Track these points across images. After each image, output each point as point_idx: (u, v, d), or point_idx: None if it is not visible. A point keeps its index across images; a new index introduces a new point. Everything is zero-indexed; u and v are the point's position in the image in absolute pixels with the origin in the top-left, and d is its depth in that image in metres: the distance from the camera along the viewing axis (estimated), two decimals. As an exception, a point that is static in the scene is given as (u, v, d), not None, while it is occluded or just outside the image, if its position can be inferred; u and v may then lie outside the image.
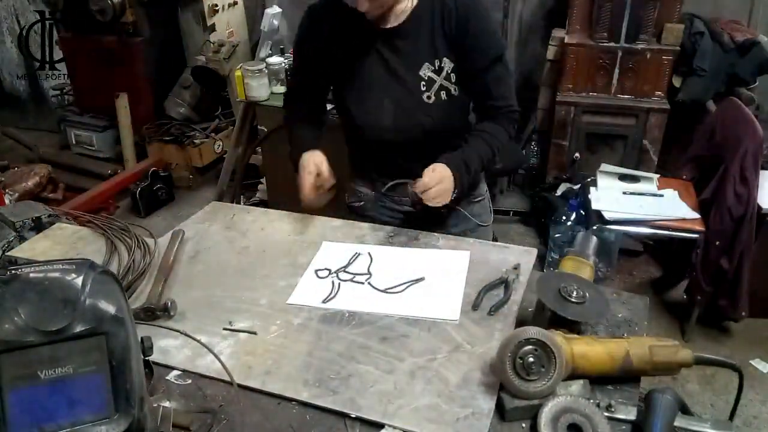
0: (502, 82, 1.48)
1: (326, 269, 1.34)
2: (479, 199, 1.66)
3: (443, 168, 1.39)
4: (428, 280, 1.29)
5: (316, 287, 1.29)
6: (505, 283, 1.25)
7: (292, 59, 1.66)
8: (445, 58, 1.42)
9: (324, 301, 1.24)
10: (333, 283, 1.30)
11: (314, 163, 1.46)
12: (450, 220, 1.61)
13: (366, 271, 1.33)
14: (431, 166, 1.39)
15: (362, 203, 1.67)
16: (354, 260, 1.37)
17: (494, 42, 1.45)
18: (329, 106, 1.70)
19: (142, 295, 1.27)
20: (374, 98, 1.46)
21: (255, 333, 1.15)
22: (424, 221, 1.53)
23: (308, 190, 1.45)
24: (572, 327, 1.05)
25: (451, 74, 1.44)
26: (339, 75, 1.50)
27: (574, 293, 1.06)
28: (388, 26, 1.42)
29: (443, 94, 1.44)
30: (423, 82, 1.43)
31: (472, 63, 1.43)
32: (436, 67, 1.43)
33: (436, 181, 1.36)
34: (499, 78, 1.47)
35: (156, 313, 1.20)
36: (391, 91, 1.45)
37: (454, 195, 1.41)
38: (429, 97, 1.44)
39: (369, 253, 1.39)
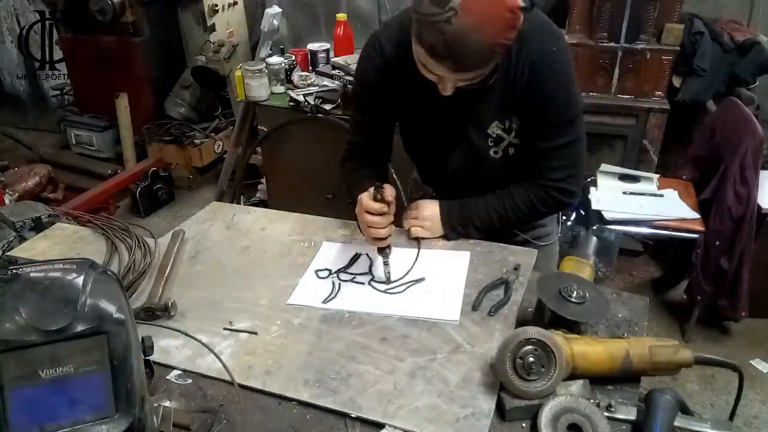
0: (558, 154, 1.34)
1: (326, 270, 1.35)
2: (547, 243, 1.58)
3: (427, 204, 1.44)
4: (428, 281, 1.29)
5: (316, 287, 1.29)
6: (505, 284, 1.25)
7: (354, 96, 1.54)
8: (514, 117, 1.34)
9: (324, 302, 1.24)
10: (333, 283, 1.30)
11: (362, 207, 1.33)
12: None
13: (367, 271, 1.33)
14: (414, 203, 1.45)
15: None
16: (355, 261, 1.37)
17: (562, 106, 1.29)
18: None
19: (142, 295, 1.27)
20: (441, 151, 1.44)
21: (255, 333, 1.15)
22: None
23: (377, 231, 1.31)
24: (572, 327, 1.05)
25: (520, 132, 1.36)
26: (403, 121, 1.49)
27: (575, 293, 1.06)
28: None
29: (511, 150, 1.39)
30: (491, 140, 1.38)
31: (534, 124, 1.33)
32: (506, 126, 1.36)
33: (415, 216, 1.43)
34: (556, 148, 1.33)
35: (156, 313, 1.19)
36: (459, 146, 1.41)
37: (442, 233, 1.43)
38: (496, 152, 1.39)
39: (367, 254, 1.39)
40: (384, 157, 1.58)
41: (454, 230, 1.43)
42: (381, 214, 1.30)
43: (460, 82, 1.18)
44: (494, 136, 1.37)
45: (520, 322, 1.16)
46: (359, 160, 1.54)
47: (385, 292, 1.27)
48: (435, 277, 1.30)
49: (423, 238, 1.43)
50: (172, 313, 1.20)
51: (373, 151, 1.54)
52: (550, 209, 1.43)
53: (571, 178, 1.37)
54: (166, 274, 1.31)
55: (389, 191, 1.32)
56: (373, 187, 1.31)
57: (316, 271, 1.34)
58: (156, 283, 1.28)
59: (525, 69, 1.26)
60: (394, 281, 1.29)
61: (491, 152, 1.39)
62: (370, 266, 1.35)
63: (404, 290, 1.27)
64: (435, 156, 1.48)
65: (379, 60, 1.36)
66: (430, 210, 1.43)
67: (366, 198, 1.31)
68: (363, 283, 1.30)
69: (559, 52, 1.27)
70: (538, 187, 1.39)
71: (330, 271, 1.34)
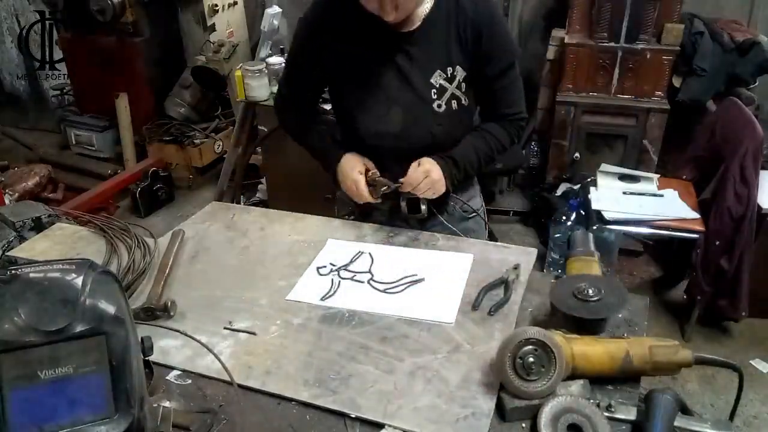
0: (513, 89, 1.46)
1: (328, 267, 1.35)
2: (473, 214, 1.61)
3: (429, 162, 1.39)
4: (428, 282, 1.29)
5: (316, 284, 1.29)
6: (505, 284, 1.25)
7: (291, 49, 1.56)
8: (458, 66, 1.38)
9: (322, 299, 1.24)
10: (333, 281, 1.30)
11: (361, 163, 1.44)
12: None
13: (367, 270, 1.34)
14: (416, 161, 1.40)
15: (353, 217, 1.59)
16: (356, 259, 1.37)
17: (509, 49, 1.42)
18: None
19: (142, 295, 1.27)
20: (382, 104, 1.41)
21: (254, 333, 1.15)
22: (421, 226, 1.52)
23: (365, 192, 1.42)
24: (597, 325, 1.05)
25: (462, 83, 1.40)
26: (343, 76, 1.44)
27: (590, 291, 1.05)
28: (404, 30, 1.36)
29: (454, 104, 1.41)
30: (434, 90, 1.39)
31: (485, 70, 1.40)
32: (448, 75, 1.38)
33: (423, 175, 1.38)
34: (510, 85, 1.45)
35: (156, 313, 1.19)
36: (401, 98, 1.40)
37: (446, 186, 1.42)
38: (440, 106, 1.40)
39: (370, 254, 1.39)
40: (313, 109, 1.62)
41: (453, 184, 1.44)
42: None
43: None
44: (437, 86, 1.39)
45: (520, 322, 1.16)
46: (294, 111, 1.58)
47: (384, 291, 1.27)
48: (435, 278, 1.30)
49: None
50: (171, 313, 1.20)
51: (301, 102, 1.57)
52: (519, 140, 1.59)
53: (524, 108, 1.51)
54: (165, 274, 1.31)
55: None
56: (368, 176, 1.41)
57: (318, 268, 1.34)
58: (156, 283, 1.28)
59: (470, 16, 1.35)
60: (393, 286, 1.28)
61: (434, 105, 1.40)
62: (371, 265, 1.35)
63: (403, 290, 1.27)
64: (377, 115, 1.43)
65: (321, 8, 1.41)
66: (436, 172, 1.40)
67: (363, 186, 1.41)
68: (363, 282, 1.30)
69: (491, 3, 1.40)
70: (507, 122, 1.49)
71: (332, 268, 1.34)
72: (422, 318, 1.18)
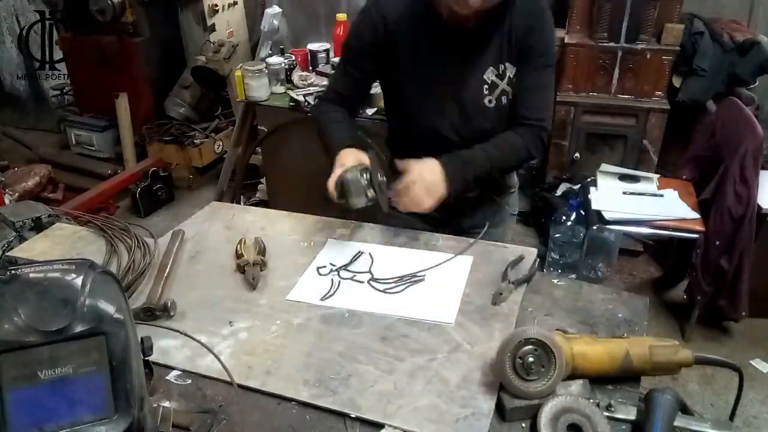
0: (540, 94, 1.46)
1: (328, 267, 1.35)
2: (512, 191, 1.70)
3: (421, 165, 1.35)
4: (428, 282, 1.29)
5: (315, 284, 1.29)
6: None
7: (346, 42, 1.55)
8: (507, 63, 1.41)
9: (322, 299, 1.24)
10: (332, 280, 1.30)
11: (356, 159, 1.37)
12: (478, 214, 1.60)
13: (367, 270, 1.34)
14: (414, 170, 1.34)
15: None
16: (356, 259, 1.37)
17: (548, 51, 1.43)
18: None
19: (142, 295, 1.27)
20: (437, 98, 1.44)
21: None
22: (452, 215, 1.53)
23: (332, 190, 1.36)
24: None
25: (513, 79, 1.42)
26: (399, 69, 1.45)
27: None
28: (460, 27, 1.37)
29: (504, 99, 1.43)
30: (486, 86, 1.42)
31: (522, 63, 1.41)
32: (500, 72, 1.41)
33: (405, 186, 1.34)
34: (539, 89, 1.44)
35: (156, 313, 1.19)
36: (455, 92, 1.43)
37: (439, 202, 1.36)
38: (491, 101, 1.43)
39: (370, 254, 1.39)
40: (357, 109, 1.65)
41: (456, 188, 1.37)
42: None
43: None
44: (489, 82, 1.41)
45: (520, 322, 1.16)
46: (333, 105, 1.56)
47: (384, 291, 1.27)
48: (435, 278, 1.30)
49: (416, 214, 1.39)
50: (171, 313, 1.20)
51: (349, 103, 1.58)
52: (537, 151, 1.47)
53: (549, 119, 1.48)
54: (165, 274, 1.31)
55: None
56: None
57: (318, 268, 1.34)
58: (156, 283, 1.28)
59: (522, 16, 1.37)
60: (392, 286, 1.28)
61: (486, 101, 1.43)
62: (371, 265, 1.35)
63: (403, 290, 1.27)
64: (432, 108, 1.46)
65: (377, 17, 1.41)
66: (430, 173, 1.35)
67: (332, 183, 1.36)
68: (362, 282, 1.30)
69: (545, 3, 1.43)
70: (526, 128, 1.44)
71: (332, 268, 1.34)
72: (422, 318, 1.18)
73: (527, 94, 1.44)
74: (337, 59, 2.85)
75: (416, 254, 1.39)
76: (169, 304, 1.20)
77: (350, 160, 1.37)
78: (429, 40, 1.40)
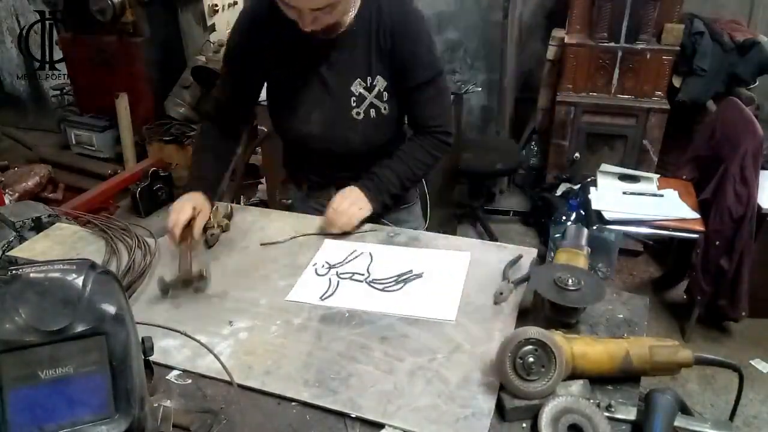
0: (433, 103, 1.48)
1: (326, 266, 1.35)
2: (406, 206, 1.67)
3: (340, 194, 1.45)
4: (427, 280, 1.29)
5: (314, 284, 1.29)
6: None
7: (224, 52, 1.59)
8: (378, 77, 1.42)
9: (322, 298, 1.24)
10: (330, 280, 1.30)
11: (186, 205, 1.39)
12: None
13: (365, 271, 1.34)
14: (338, 197, 1.45)
15: (290, 201, 1.73)
16: (354, 258, 1.37)
17: (429, 63, 1.43)
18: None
19: (143, 295, 1.27)
20: (304, 108, 1.47)
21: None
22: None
23: (172, 234, 1.36)
24: (572, 315, 1.06)
25: (383, 93, 1.43)
26: (271, 80, 1.51)
27: (570, 281, 1.07)
28: (327, 37, 1.40)
29: (372, 112, 1.45)
30: (354, 98, 1.43)
31: (404, 82, 1.43)
32: (368, 85, 1.43)
33: (340, 215, 1.43)
34: (431, 99, 1.47)
35: (193, 282, 1.25)
36: (321, 103, 1.45)
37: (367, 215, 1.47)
38: (358, 114, 1.44)
39: (370, 253, 1.39)
40: (242, 120, 1.65)
41: (381, 204, 1.48)
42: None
43: (317, 12, 1.25)
44: (357, 94, 1.43)
45: (520, 322, 1.16)
46: (217, 129, 1.58)
47: (383, 290, 1.27)
48: (434, 276, 1.30)
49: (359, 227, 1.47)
50: (206, 284, 1.26)
51: (235, 110, 1.58)
52: (441, 153, 1.52)
53: (449, 122, 1.53)
54: (189, 249, 1.35)
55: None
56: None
57: (316, 269, 1.34)
58: (182, 257, 1.32)
59: (388, 30, 1.38)
60: (391, 284, 1.29)
61: (354, 113, 1.44)
62: (369, 264, 1.35)
63: (401, 288, 1.27)
64: (299, 118, 1.48)
65: (251, 13, 1.45)
66: (353, 194, 1.46)
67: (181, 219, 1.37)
68: (361, 281, 1.30)
69: (416, 12, 1.43)
70: (426, 136, 1.50)
71: (329, 267, 1.34)
72: (423, 316, 1.18)
73: (424, 106, 1.47)
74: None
75: (414, 252, 1.39)
76: (203, 272, 1.25)
77: (186, 210, 1.38)
78: (296, 49, 1.42)
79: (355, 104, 1.44)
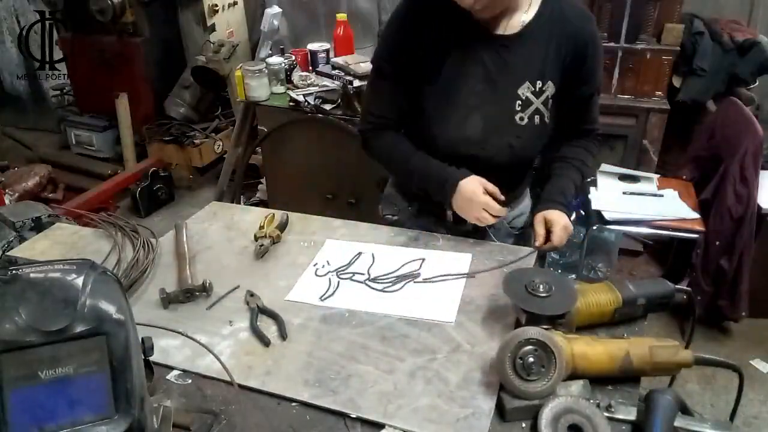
0: (595, 106, 1.48)
1: (326, 267, 1.35)
2: (520, 230, 1.62)
3: (557, 215, 1.35)
4: (427, 281, 1.29)
5: (314, 284, 1.29)
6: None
7: (378, 53, 1.44)
8: (549, 81, 1.33)
9: (321, 298, 1.24)
10: (330, 280, 1.30)
11: (480, 185, 1.34)
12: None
13: (365, 272, 1.33)
14: (551, 220, 1.34)
15: (397, 217, 1.58)
16: (355, 260, 1.37)
17: (601, 72, 1.44)
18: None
19: (144, 295, 1.28)
20: (463, 109, 1.35)
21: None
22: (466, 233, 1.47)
23: (500, 209, 1.34)
24: (551, 321, 1.06)
25: (550, 100, 1.35)
26: (426, 74, 1.35)
27: (540, 287, 1.07)
28: (500, 33, 1.31)
29: (537, 119, 1.36)
30: (519, 102, 1.33)
31: (577, 91, 1.39)
32: (537, 89, 1.33)
33: (563, 231, 1.34)
34: (595, 104, 1.47)
35: (195, 293, 1.25)
36: (484, 104, 1.34)
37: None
38: (522, 119, 1.35)
39: (372, 254, 1.39)
40: (400, 128, 1.49)
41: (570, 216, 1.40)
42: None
43: None
44: (523, 98, 1.34)
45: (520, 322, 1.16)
46: (387, 132, 1.46)
47: (382, 290, 1.27)
48: (434, 275, 1.30)
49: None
50: (209, 293, 1.25)
51: (391, 121, 1.46)
52: (597, 153, 1.53)
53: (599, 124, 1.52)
54: (188, 259, 1.35)
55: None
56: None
57: (316, 269, 1.34)
58: (181, 269, 1.32)
59: (576, 41, 1.32)
60: (390, 284, 1.29)
61: (517, 117, 1.35)
62: (370, 266, 1.35)
63: (400, 288, 1.27)
64: (456, 119, 1.36)
65: (414, 6, 1.34)
66: (562, 220, 1.36)
67: (496, 206, 1.34)
68: (361, 282, 1.30)
69: (593, 16, 1.41)
70: (588, 138, 1.51)
71: (330, 268, 1.34)
72: (422, 317, 1.18)
73: (588, 113, 1.47)
74: (337, 59, 2.85)
75: (415, 253, 1.39)
76: (207, 284, 1.24)
77: (480, 189, 1.34)
78: (459, 42, 1.32)
79: (519, 108, 1.33)
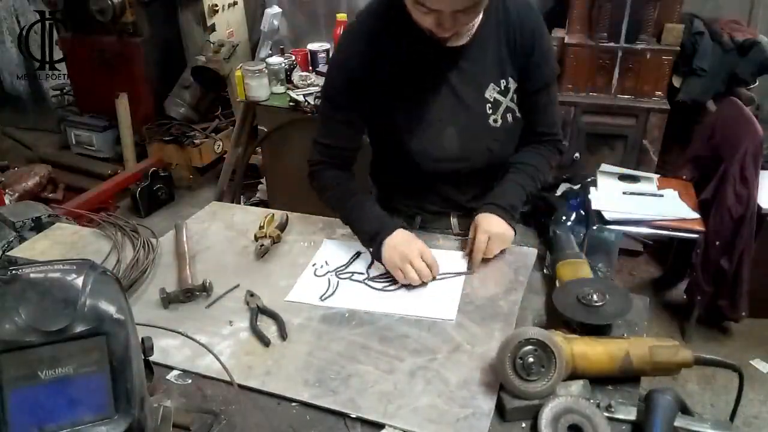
0: (551, 109, 1.44)
1: (324, 267, 1.35)
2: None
3: (485, 219, 1.32)
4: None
5: (313, 285, 1.29)
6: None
7: (329, 83, 1.40)
8: (510, 78, 1.34)
9: (321, 298, 1.24)
10: (329, 280, 1.30)
11: (418, 250, 1.27)
12: None
13: (364, 271, 1.33)
14: (481, 227, 1.30)
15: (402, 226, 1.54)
16: (354, 259, 1.37)
17: (552, 64, 1.40)
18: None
19: (144, 294, 1.28)
20: (436, 126, 1.34)
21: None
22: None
23: (429, 272, 1.26)
24: (605, 330, 1.06)
25: (515, 95, 1.36)
26: (390, 102, 1.34)
27: (594, 296, 1.06)
28: (454, 44, 1.28)
29: (509, 117, 1.36)
30: (489, 105, 1.34)
31: (527, 84, 1.36)
32: (502, 88, 1.34)
33: (486, 236, 1.30)
34: (549, 104, 1.42)
35: (195, 293, 1.24)
36: (456, 117, 1.34)
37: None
38: (495, 121, 1.35)
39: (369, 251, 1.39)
40: (352, 162, 1.47)
41: (513, 225, 1.37)
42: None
43: (458, 14, 1.15)
44: (492, 100, 1.34)
45: (520, 323, 1.16)
46: (334, 170, 1.44)
47: (382, 290, 1.27)
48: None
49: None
50: (209, 293, 1.25)
51: (344, 154, 1.44)
52: (555, 162, 1.48)
53: (561, 131, 1.49)
54: (188, 259, 1.35)
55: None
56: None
57: (315, 269, 1.34)
58: (181, 269, 1.32)
59: (522, 32, 1.31)
60: (389, 284, 1.29)
61: (491, 120, 1.35)
62: (369, 266, 1.35)
63: (398, 288, 1.28)
64: (431, 138, 1.35)
65: (363, 33, 1.31)
66: (496, 225, 1.33)
67: (426, 254, 1.27)
68: (360, 282, 1.30)
69: (537, 9, 1.37)
70: (544, 144, 1.45)
71: (328, 267, 1.34)
72: (423, 315, 1.18)
73: (542, 112, 1.41)
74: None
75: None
76: (207, 284, 1.24)
77: (415, 251, 1.27)
78: (418, 66, 1.31)
79: (491, 111, 1.34)
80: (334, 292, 1.27)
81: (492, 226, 1.32)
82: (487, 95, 1.34)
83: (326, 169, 1.44)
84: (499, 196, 1.38)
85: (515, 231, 1.38)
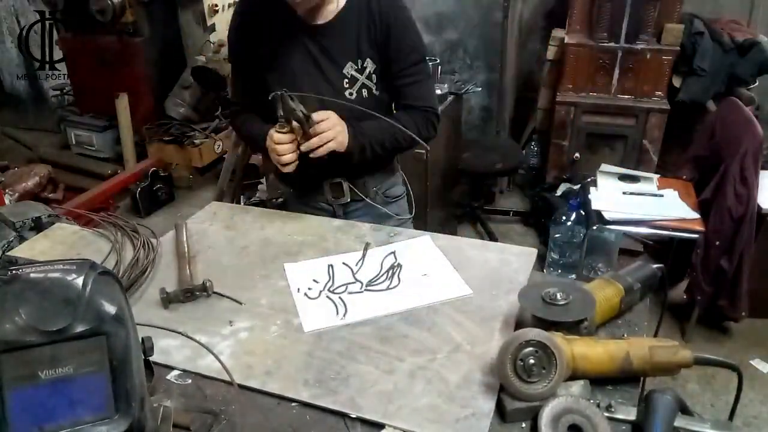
0: (421, 85, 1.57)
1: (315, 287, 1.29)
2: (395, 199, 1.73)
3: (335, 115, 1.46)
4: (413, 271, 1.31)
5: (318, 308, 1.22)
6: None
7: (229, 50, 1.67)
8: (368, 59, 1.51)
9: (341, 317, 1.19)
10: (330, 299, 1.25)
11: (269, 137, 1.48)
12: (370, 217, 1.66)
13: (354, 280, 1.30)
14: (330, 115, 1.45)
15: (282, 200, 1.73)
16: (333, 273, 1.33)
17: (416, 47, 1.54)
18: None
19: (145, 294, 1.28)
20: (299, 91, 1.48)
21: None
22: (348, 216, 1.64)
23: (281, 140, 1.44)
24: (569, 328, 1.05)
25: (373, 75, 1.52)
26: (266, 68, 1.55)
27: (558, 295, 1.06)
28: (317, 23, 1.50)
29: (365, 92, 1.53)
30: (346, 80, 1.52)
31: (393, 66, 1.52)
32: (359, 67, 1.51)
33: (327, 116, 1.43)
34: (418, 81, 1.56)
35: (195, 293, 1.24)
36: (316, 84, 1.52)
37: (345, 149, 1.47)
38: (351, 94, 1.52)
39: (344, 263, 1.35)
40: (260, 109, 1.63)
41: (356, 145, 1.49)
42: (290, 142, 1.45)
43: None
44: (349, 76, 1.52)
45: (520, 324, 1.16)
46: (244, 114, 1.65)
47: (387, 289, 1.27)
48: (416, 263, 1.33)
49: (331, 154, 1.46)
50: (209, 293, 1.24)
51: (251, 105, 1.64)
52: (428, 132, 1.60)
53: (436, 105, 1.62)
54: (188, 259, 1.35)
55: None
56: (278, 122, 1.43)
57: (304, 293, 1.27)
58: (181, 269, 1.32)
59: (377, 14, 1.47)
60: (381, 281, 1.30)
61: (346, 93, 1.53)
62: (355, 273, 1.32)
63: (398, 284, 1.28)
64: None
65: (244, 7, 1.56)
66: (339, 121, 1.46)
67: (275, 132, 1.45)
68: (361, 292, 1.27)
69: (403, 4, 1.53)
70: (419, 113, 1.58)
71: (317, 283, 1.29)
72: (445, 299, 1.21)
73: (411, 87, 1.56)
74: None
75: (381, 251, 1.39)
76: (207, 284, 1.24)
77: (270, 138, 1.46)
78: (289, 35, 1.51)
79: (347, 85, 1.52)
80: (346, 309, 1.21)
81: (343, 127, 1.46)
82: (345, 71, 1.52)
83: (237, 117, 1.69)
84: (357, 126, 1.51)
85: (350, 146, 1.48)
